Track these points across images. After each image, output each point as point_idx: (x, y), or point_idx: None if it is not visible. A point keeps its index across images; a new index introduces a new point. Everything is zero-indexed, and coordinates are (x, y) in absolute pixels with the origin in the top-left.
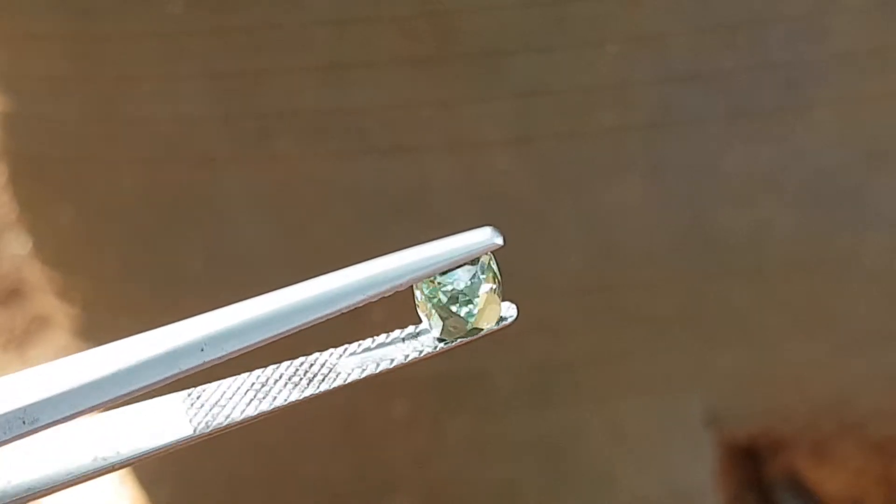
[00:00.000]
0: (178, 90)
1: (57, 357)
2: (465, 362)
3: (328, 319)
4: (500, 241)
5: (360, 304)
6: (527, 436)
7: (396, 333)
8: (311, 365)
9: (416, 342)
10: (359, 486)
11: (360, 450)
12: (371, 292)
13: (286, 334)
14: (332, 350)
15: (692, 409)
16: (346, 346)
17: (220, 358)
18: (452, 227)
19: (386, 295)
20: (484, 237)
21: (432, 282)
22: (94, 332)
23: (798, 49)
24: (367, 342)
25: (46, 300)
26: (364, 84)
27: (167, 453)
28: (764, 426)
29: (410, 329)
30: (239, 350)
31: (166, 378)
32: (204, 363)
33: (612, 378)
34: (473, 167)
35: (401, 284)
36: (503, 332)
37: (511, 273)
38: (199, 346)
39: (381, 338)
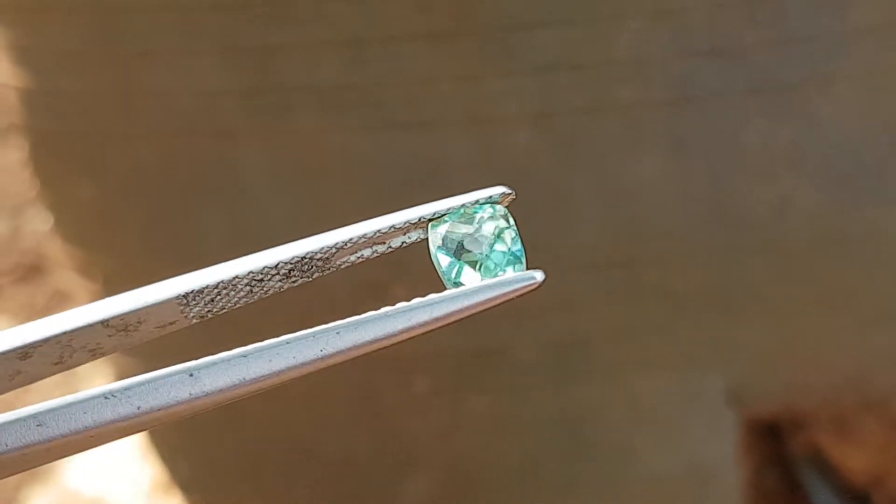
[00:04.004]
0: (197, 64)
1: None
2: (486, 339)
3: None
4: (539, 277)
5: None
6: (547, 412)
7: (393, 221)
8: (310, 259)
9: (408, 236)
10: (379, 462)
11: (381, 426)
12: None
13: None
14: (328, 245)
15: (713, 386)
16: (343, 241)
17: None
18: None
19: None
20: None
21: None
22: None
23: (819, 23)
24: (365, 233)
25: (67, 276)
26: (383, 59)
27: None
28: (785, 402)
29: (407, 216)
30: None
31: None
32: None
33: (633, 354)
34: (493, 142)
35: None
36: (523, 308)
37: (531, 249)
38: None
39: (377, 226)
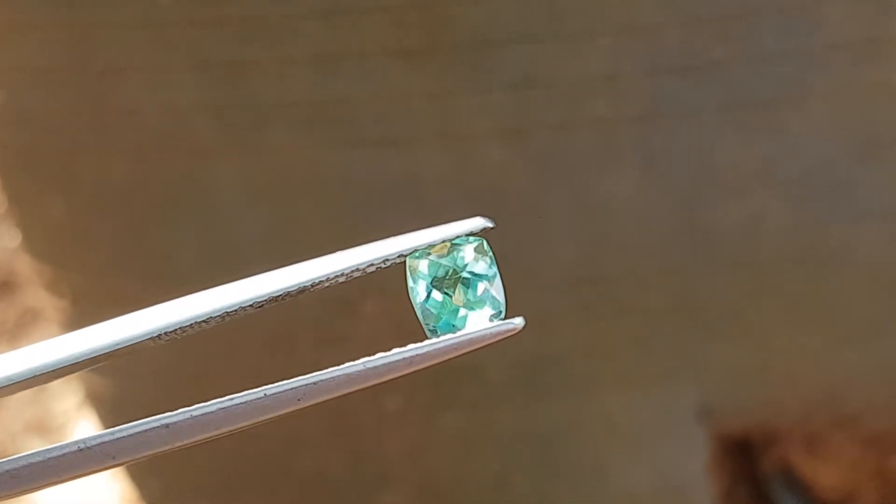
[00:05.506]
0: (169, 81)
1: None
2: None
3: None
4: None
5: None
6: (519, 429)
7: (370, 256)
8: (284, 294)
9: (382, 264)
10: (352, 480)
11: (354, 443)
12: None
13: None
14: (303, 282)
15: (685, 402)
16: (319, 277)
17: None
18: (444, 218)
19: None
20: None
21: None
22: (85, 325)
23: (792, 40)
24: (342, 269)
25: (38, 293)
26: (355, 75)
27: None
28: (757, 419)
29: (375, 255)
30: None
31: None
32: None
33: (605, 371)
34: (465, 159)
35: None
36: None
37: (503, 265)
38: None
39: (354, 262)
